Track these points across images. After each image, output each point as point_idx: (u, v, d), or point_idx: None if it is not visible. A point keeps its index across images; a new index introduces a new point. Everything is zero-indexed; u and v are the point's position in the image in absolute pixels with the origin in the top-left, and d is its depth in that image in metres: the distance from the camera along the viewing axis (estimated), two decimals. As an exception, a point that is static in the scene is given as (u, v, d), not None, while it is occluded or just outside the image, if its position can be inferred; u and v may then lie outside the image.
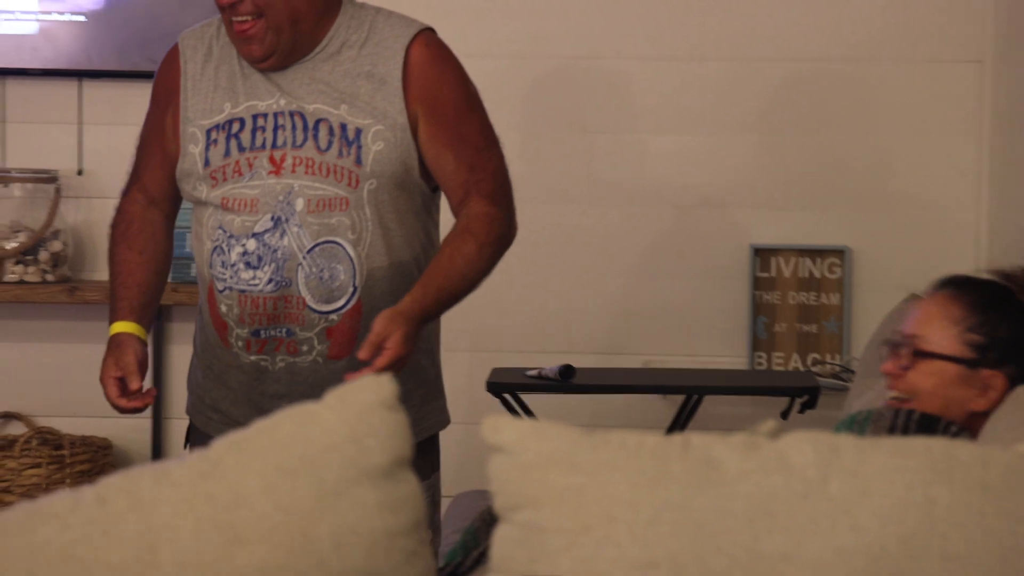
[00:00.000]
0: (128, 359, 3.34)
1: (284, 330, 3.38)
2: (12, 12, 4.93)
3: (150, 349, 4.98)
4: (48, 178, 5.00)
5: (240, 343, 3.42)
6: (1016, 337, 2.98)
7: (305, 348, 3.38)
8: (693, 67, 5.05)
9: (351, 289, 3.36)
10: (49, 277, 4.93)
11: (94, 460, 4.92)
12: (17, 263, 4.97)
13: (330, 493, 2.03)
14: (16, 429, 4.94)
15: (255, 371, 3.43)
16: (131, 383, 3.33)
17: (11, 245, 4.96)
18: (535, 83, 5.06)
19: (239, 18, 3.30)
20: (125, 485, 2.07)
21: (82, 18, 4.95)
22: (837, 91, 5.08)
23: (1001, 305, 3.00)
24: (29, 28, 4.96)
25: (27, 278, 4.96)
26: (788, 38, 5.05)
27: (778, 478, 2.00)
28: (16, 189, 4.99)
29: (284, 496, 2.02)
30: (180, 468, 2.07)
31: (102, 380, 3.34)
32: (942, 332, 2.96)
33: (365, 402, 2.09)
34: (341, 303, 3.36)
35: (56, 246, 4.95)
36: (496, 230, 3.41)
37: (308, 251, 3.35)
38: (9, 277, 4.96)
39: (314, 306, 3.36)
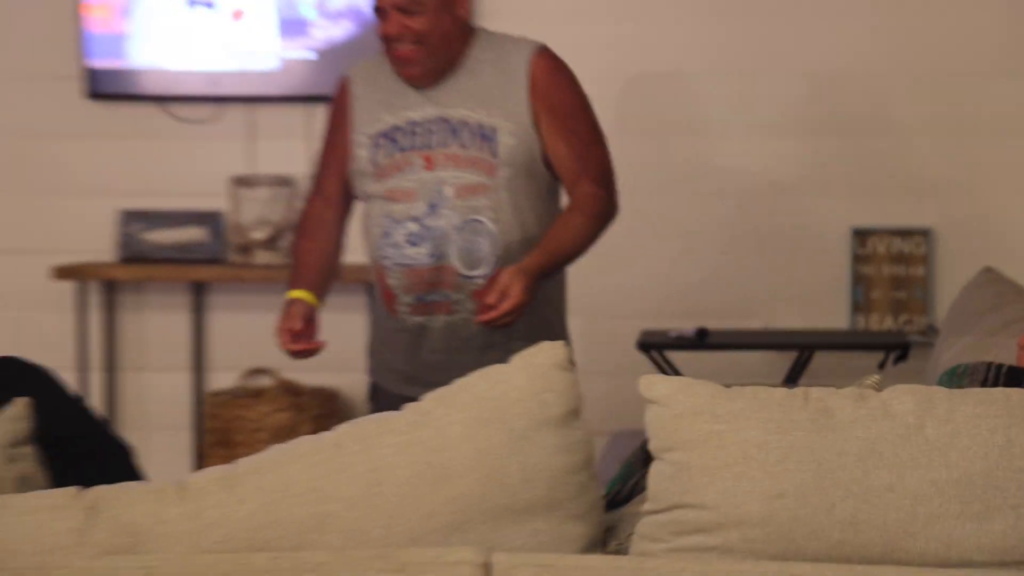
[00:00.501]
0: (294, 312, 3.38)
1: (442, 295, 3.40)
2: (261, 52, 5.00)
3: (362, 322, 5.06)
4: (286, 182, 5.07)
5: (406, 309, 3.43)
6: None
7: (458, 308, 3.39)
8: (806, 79, 5.01)
9: (492, 259, 3.36)
10: (287, 261, 5.00)
11: (325, 406, 4.98)
12: (264, 249, 5.04)
13: (518, 438, 2.04)
14: (265, 382, 5.01)
15: (418, 331, 3.43)
16: (295, 326, 3.37)
17: (258, 235, 5.03)
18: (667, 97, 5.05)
19: (402, 45, 3.33)
20: (355, 432, 2.10)
21: (313, 56, 5.01)
22: (921, 99, 5.00)
23: None
24: (273, 65, 5.03)
25: (271, 261, 5.02)
26: (880, 56, 4.99)
27: (883, 424, 1.98)
28: (262, 191, 5.06)
29: (481, 441, 2.04)
30: (398, 418, 2.09)
31: (276, 333, 3.40)
32: None
33: (544, 364, 2.10)
34: (484, 270, 3.38)
35: (292, 236, 5.01)
36: (599, 206, 3.41)
37: (457, 229, 3.37)
38: (258, 260, 5.03)
39: (463, 273, 3.38)
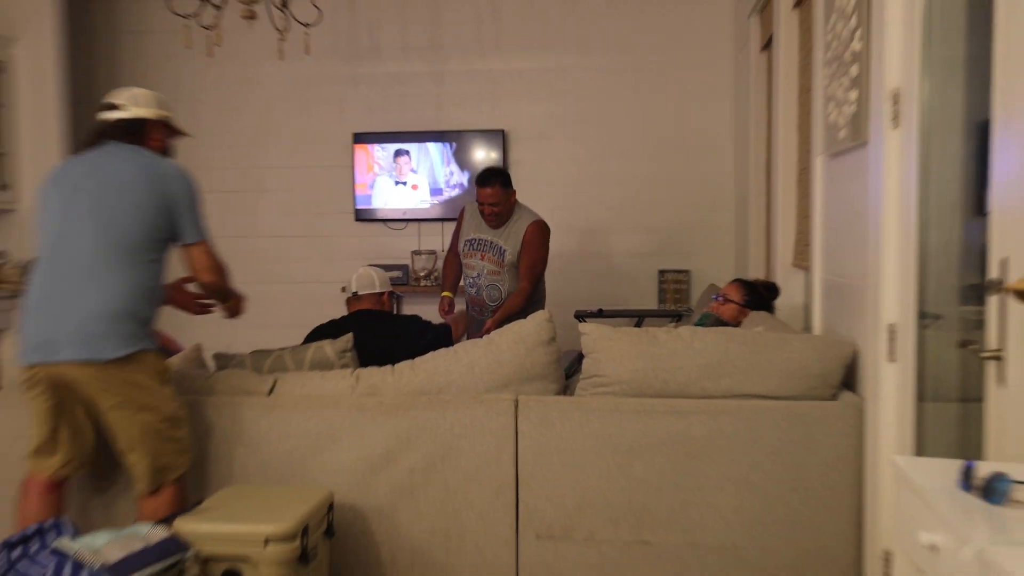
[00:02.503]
0: (444, 301, 3.31)
1: (479, 309, 3.33)
2: (422, 200, 4.91)
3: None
4: (432, 252, 5.00)
5: (469, 309, 3.39)
6: (751, 301, 2.76)
7: (487, 315, 3.30)
8: (647, 207, 4.91)
9: (500, 299, 3.29)
10: (434, 284, 4.93)
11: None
12: (424, 279, 4.97)
13: (530, 348, 1.98)
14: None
15: (475, 319, 3.36)
16: (445, 308, 3.30)
17: (422, 274, 4.97)
18: (574, 223, 4.96)
19: (487, 210, 3.24)
20: (463, 346, 2.02)
21: (442, 201, 4.94)
22: (686, 221, 4.89)
23: (749, 289, 2.80)
24: (428, 205, 4.93)
25: (428, 284, 4.95)
26: (670, 194, 4.88)
27: (677, 342, 1.93)
28: (423, 256, 5.00)
29: (516, 350, 1.98)
30: (481, 341, 2.03)
31: (439, 311, 3.30)
32: (736, 294, 2.78)
33: (541, 319, 2.03)
34: (496, 304, 3.30)
35: (436, 273, 4.94)
36: (526, 294, 3.20)
37: (487, 287, 3.31)
38: (422, 284, 4.96)
39: (488, 304, 3.31)
